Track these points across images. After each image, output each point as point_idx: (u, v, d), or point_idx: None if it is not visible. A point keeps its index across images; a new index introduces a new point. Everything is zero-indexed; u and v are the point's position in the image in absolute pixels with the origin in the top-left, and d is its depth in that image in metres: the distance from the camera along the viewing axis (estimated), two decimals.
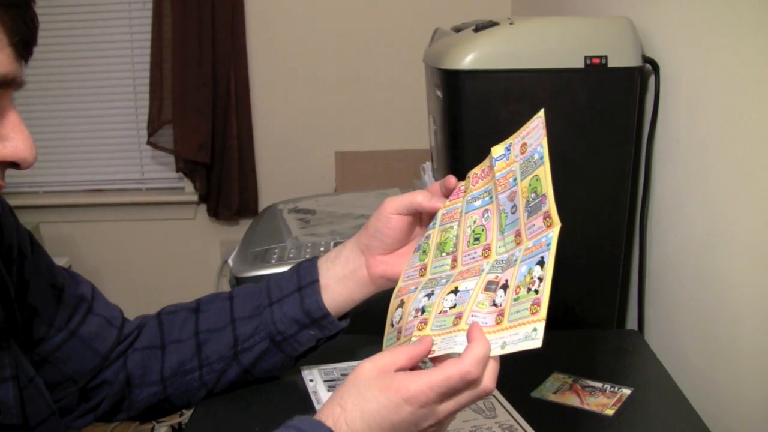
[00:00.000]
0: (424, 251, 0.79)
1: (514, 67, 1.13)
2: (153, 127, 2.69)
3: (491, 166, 0.76)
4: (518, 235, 0.68)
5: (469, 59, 1.13)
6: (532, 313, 0.61)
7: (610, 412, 0.92)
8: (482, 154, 1.20)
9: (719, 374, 0.99)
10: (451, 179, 0.80)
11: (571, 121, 1.16)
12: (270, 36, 2.69)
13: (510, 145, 0.75)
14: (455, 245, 0.76)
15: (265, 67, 2.72)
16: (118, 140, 2.86)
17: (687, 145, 1.08)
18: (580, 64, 1.13)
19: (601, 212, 1.21)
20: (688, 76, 1.08)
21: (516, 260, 0.66)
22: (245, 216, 2.79)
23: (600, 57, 1.13)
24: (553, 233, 0.64)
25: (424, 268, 0.78)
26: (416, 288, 0.76)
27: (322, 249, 1.25)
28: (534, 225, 0.66)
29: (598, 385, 0.98)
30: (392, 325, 0.75)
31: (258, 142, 2.74)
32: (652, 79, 1.18)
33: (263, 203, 2.77)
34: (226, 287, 2.87)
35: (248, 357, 0.87)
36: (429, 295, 0.72)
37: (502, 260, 0.69)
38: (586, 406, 0.94)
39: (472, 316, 0.65)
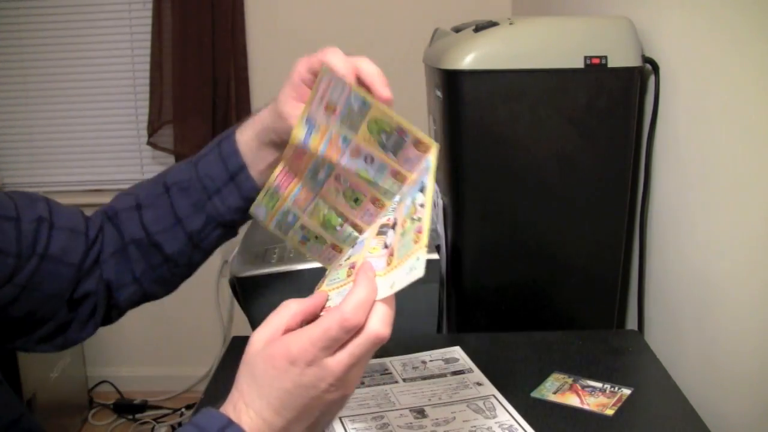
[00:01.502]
0: (317, 237, 0.76)
1: (514, 67, 1.13)
2: (153, 127, 2.69)
3: (301, 152, 0.71)
4: (396, 174, 0.64)
5: (469, 59, 1.13)
6: (415, 242, 0.56)
7: (610, 412, 0.92)
8: (482, 154, 1.21)
9: (719, 374, 0.99)
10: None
11: (571, 121, 1.16)
12: (270, 36, 2.69)
13: (308, 119, 0.70)
14: (341, 213, 0.72)
15: (265, 67, 2.72)
16: (118, 140, 2.86)
17: (687, 145, 1.08)
18: (580, 64, 1.13)
19: (601, 213, 1.21)
20: (688, 76, 1.08)
21: (405, 196, 0.63)
22: None
23: (600, 57, 1.13)
24: (432, 156, 0.60)
25: (335, 247, 0.75)
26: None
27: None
28: (409, 158, 0.62)
29: (598, 385, 0.98)
30: None
31: None
32: (652, 79, 1.18)
33: None
34: (226, 287, 2.86)
35: (207, 243, 0.89)
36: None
37: (395, 201, 0.66)
38: (586, 406, 0.94)
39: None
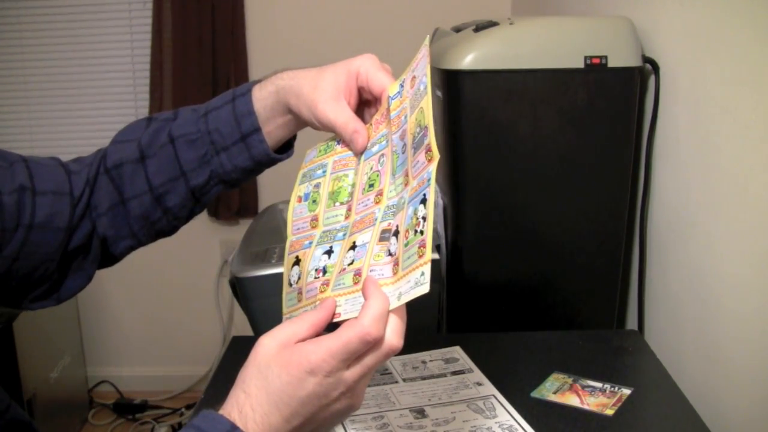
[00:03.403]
0: (314, 201, 0.75)
1: (514, 67, 1.13)
2: None
3: (388, 107, 0.70)
4: (406, 175, 0.64)
5: (469, 59, 1.13)
6: (419, 256, 0.57)
7: (610, 412, 0.92)
8: (482, 153, 1.21)
9: (719, 374, 0.99)
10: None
11: (571, 121, 1.16)
12: (270, 36, 2.69)
13: (403, 81, 0.69)
14: (351, 194, 0.71)
15: (265, 67, 2.71)
16: None
17: (687, 145, 1.08)
18: (580, 64, 1.13)
19: (601, 212, 1.21)
20: (688, 76, 1.08)
21: (404, 203, 0.62)
22: (245, 216, 2.79)
23: (600, 57, 1.13)
24: (432, 167, 0.60)
25: (315, 219, 0.73)
26: (311, 243, 0.72)
27: None
28: (418, 161, 0.62)
29: (598, 385, 0.98)
30: (290, 284, 0.72)
31: None
32: (652, 79, 1.18)
33: (263, 203, 2.77)
34: (226, 287, 2.85)
35: (207, 198, 0.88)
36: (328, 253, 0.69)
37: (393, 205, 0.65)
38: (586, 406, 0.94)
39: (371, 270, 0.62)
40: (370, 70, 0.74)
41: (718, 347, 0.99)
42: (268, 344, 0.60)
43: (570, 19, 1.33)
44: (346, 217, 0.70)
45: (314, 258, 0.70)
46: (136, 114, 2.83)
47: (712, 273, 1.00)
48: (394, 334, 0.58)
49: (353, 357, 0.58)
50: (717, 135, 0.99)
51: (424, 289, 0.56)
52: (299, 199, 0.77)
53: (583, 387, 0.98)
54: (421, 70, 0.66)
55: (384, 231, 0.63)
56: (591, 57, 1.13)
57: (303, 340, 0.60)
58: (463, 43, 1.15)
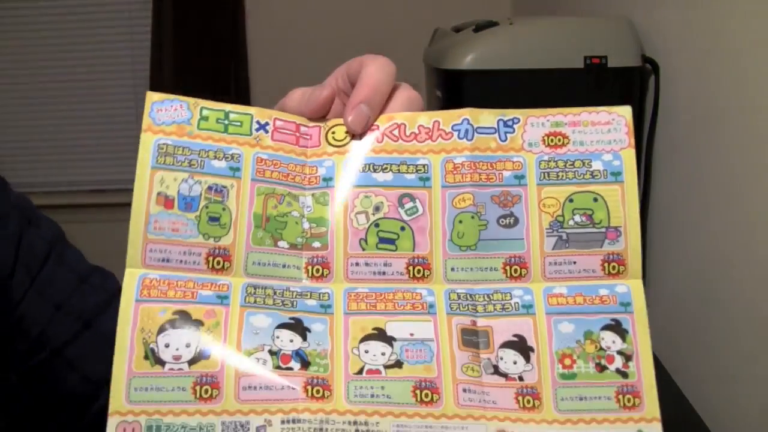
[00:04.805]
0: (216, 219, 0.43)
1: (514, 67, 1.13)
2: None
3: (443, 132, 0.45)
4: (521, 265, 0.44)
5: (469, 59, 1.13)
6: (625, 408, 0.43)
7: None
8: None
9: (719, 374, 0.99)
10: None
11: None
12: (270, 36, 2.70)
13: (516, 121, 0.45)
14: (311, 234, 0.43)
15: (265, 67, 2.72)
16: (118, 140, 2.86)
17: (687, 145, 1.09)
18: (580, 64, 1.13)
19: None
20: (688, 76, 1.08)
21: (521, 305, 0.43)
22: None
23: (600, 57, 1.13)
24: (631, 287, 0.43)
25: (224, 255, 0.42)
26: (222, 296, 0.41)
27: None
28: (578, 266, 0.44)
29: None
30: (160, 362, 0.39)
31: None
32: (652, 79, 1.18)
33: None
34: None
35: None
36: (296, 329, 0.41)
37: (470, 294, 0.43)
38: None
39: (464, 390, 0.41)
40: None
41: (718, 347, 0.99)
42: None
43: (570, 19, 1.33)
44: (314, 278, 0.43)
45: (258, 330, 0.40)
46: (136, 114, 2.83)
47: (712, 273, 1.00)
48: None
49: None
50: (717, 135, 0.99)
51: None
52: (166, 202, 0.45)
53: None
54: (597, 141, 0.46)
55: (466, 331, 0.42)
56: (591, 57, 1.13)
57: None
58: (463, 43, 1.16)
